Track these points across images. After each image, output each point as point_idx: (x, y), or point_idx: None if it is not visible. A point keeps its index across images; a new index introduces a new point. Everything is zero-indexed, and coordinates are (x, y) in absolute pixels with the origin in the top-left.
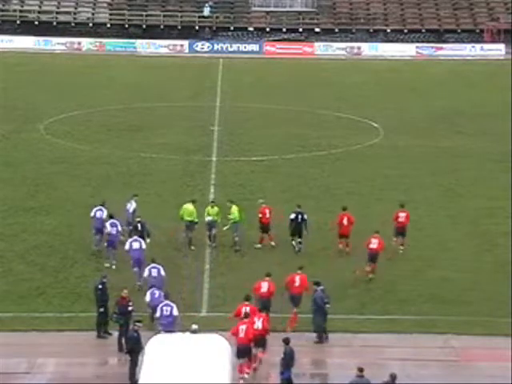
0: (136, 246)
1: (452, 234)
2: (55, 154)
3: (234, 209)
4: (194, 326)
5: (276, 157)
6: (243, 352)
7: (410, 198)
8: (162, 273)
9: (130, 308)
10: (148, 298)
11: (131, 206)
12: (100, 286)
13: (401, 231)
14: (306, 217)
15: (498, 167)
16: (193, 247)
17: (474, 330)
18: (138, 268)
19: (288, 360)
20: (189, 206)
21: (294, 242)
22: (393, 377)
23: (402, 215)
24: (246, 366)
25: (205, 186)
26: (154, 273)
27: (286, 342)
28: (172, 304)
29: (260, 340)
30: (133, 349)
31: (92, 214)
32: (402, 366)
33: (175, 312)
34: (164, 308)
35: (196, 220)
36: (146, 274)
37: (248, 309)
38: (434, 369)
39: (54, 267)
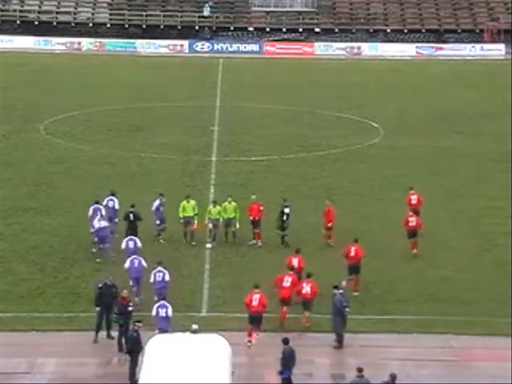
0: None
1: (452, 234)
2: (55, 154)
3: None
4: (194, 326)
5: (276, 157)
6: (256, 319)
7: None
8: (167, 278)
9: (129, 308)
10: (127, 265)
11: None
12: (100, 285)
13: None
14: (288, 210)
15: (498, 167)
16: (194, 243)
17: (474, 329)
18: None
19: (287, 360)
20: (184, 203)
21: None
22: (393, 377)
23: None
24: (255, 332)
25: (205, 186)
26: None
27: (285, 342)
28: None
29: (307, 303)
30: (133, 349)
31: (104, 203)
32: (402, 365)
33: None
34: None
35: (192, 214)
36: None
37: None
38: (434, 369)
39: (53, 267)
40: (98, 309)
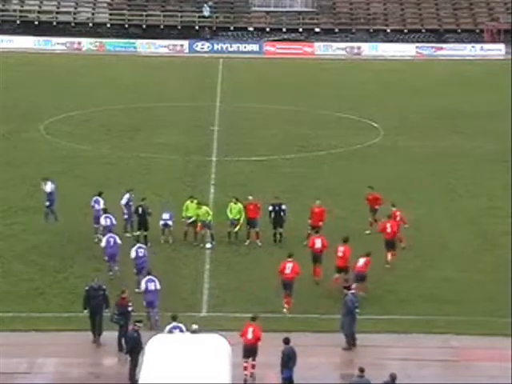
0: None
1: (452, 234)
2: (55, 154)
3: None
4: (194, 326)
5: (276, 157)
6: (288, 285)
7: (410, 197)
8: (158, 286)
9: (129, 308)
10: (103, 243)
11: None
12: (86, 288)
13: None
14: (284, 207)
15: (497, 167)
16: (196, 243)
17: (474, 329)
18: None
19: (286, 360)
20: (188, 203)
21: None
22: (393, 377)
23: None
24: (289, 297)
25: (205, 186)
26: (151, 286)
27: (286, 341)
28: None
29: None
30: (133, 349)
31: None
32: (402, 365)
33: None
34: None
35: (192, 215)
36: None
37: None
38: (434, 369)
39: (53, 267)
40: (85, 311)
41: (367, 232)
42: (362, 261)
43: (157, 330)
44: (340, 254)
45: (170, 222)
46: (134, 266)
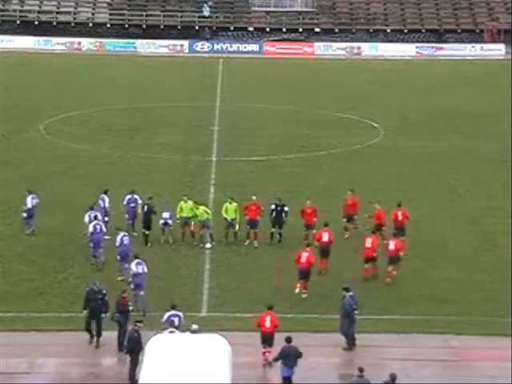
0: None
1: (452, 234)
2: (55, 154)
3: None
4: (194, 326)
5: (276, 157)
6: (325, 252)
7: (410, 198)
8: (146, 269)
9: (129, 308)
10: (86, 219)
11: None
12: (87, 289)
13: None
14: (286, 209)
15: (497, 167)
16: (195, 243)
17: (474, 329)
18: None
19: (285, 359)
20: (182, 204)
21: (273, 230)
22: (393, 377)
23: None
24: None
25: (205, 186)
26: (140, 269)
27: (287, 340)
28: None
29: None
30: (133, 349)
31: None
32: (402, 365)
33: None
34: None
35: (190, 215)
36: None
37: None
38: (434, 369)
39: (53, 267)
40: (84, 312)
41: (345, 236)
42: (392, 243)
43: (154, 330)
44: (368, 245)
45: (169, 221)
46: (117, 253)
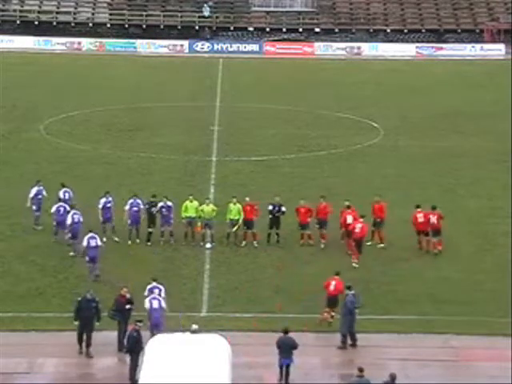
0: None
1: (452, 234)
2: (55, 154)
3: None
4: (194, 326)
5: (276, 157)
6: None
7: (410, 198)
8: (99, 243)
9: (127, 306)
10: (53, 209)
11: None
12: (79, 299)
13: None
14: (283, 209)
15: (497, 167)
16: (201, 243)
17: (474, 329)
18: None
19: (279, 349)
20: (187, 203)
21: (270, 231)
22: (393, 377)
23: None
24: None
25: (205, 186)
26: (93, 243)
27: (284, 331)
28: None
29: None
30: (133, 349)
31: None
32: (402, 365)
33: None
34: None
35: (194, 215)
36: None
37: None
38: (434, 369)
39: (53, 267)
40: (76, 323)
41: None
42: (433, 218)
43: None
44: (421, 219)
45: (170, 221)
46: (69, 231)
